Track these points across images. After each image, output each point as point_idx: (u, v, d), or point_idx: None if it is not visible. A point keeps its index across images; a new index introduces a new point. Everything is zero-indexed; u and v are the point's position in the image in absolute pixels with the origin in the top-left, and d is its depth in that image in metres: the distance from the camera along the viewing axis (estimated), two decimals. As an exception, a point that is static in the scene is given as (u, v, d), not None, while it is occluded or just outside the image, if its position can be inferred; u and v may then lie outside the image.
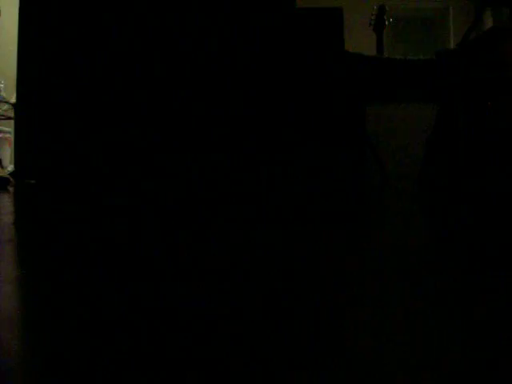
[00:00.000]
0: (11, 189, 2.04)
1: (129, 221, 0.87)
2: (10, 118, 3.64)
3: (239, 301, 0.35)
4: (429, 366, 0.24)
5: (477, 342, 0.27)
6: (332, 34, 1.96)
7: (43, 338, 0.28)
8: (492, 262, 0.49)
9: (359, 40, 4.24)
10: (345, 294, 0.37)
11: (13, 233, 0.73)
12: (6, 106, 3.69)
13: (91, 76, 1.96)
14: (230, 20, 1.96)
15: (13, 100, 3.46)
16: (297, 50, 1.96)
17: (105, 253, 0.55)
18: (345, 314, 0.32)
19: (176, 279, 0.43)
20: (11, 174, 2.09)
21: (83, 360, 0.25)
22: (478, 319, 0.31)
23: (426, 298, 0.36)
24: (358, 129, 2.51)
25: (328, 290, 0.38)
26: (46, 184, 1.98)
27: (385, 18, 2.80)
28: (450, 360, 0.24)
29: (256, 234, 0.70)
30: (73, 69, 1.96)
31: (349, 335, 0.28)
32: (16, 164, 2.02)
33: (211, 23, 1.96)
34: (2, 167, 3.59)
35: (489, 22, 3.97)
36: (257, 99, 1.93)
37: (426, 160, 2.45)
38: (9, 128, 3.73)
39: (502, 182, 2.06)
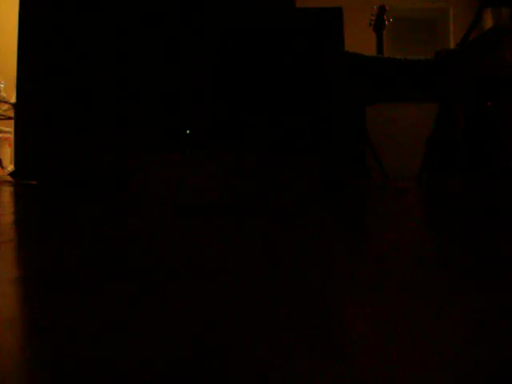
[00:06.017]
0: (11, 189, 2.04)
1: (130, 221, 0.87)
2: (10, 118, 3.65)
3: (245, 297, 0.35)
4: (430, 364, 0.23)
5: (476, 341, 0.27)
6: (332, 33, 1.96)
7: (44, 338, 0.28)
8: (493, 262, 0.49)
9: (359, 40, 4.23)
10: (343, 293, 0.37)
11: (13, 233, 0.73)
12: (5, 106, 3.69)
13: (93, 75, 1.95)
14: (228, 20, 1.96)
15: (13, 100, 3.46)
16: (296, 50, 1.96)
17: (105, 253, 0.55)
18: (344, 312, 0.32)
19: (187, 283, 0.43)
20: (11, 174, 2.09)
21: (84, 362, 0.25)
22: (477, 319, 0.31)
23: (426, 299, 0.36)
24: (358, 129, 2.51)
25: (326, 290, 0.38)
26: (46, 184, 1.98)
27: (385, 17, 2.80)
28: (449, 358, 0.24)
29: (253, 232, 0.70)
30: (74, 68, 1.96)
31: (348, 331, 0.28)
32: (16, 164, 2.02)
33: (208, 22, 1.96)
34: (2, 167, 3.59)
35: (489, 22, 3.97)
36: (253, 99, 1.93)
37: (426, 160, 2.45)
38: (9, 128, 3.73)
39: (501, 181, 2.06)
